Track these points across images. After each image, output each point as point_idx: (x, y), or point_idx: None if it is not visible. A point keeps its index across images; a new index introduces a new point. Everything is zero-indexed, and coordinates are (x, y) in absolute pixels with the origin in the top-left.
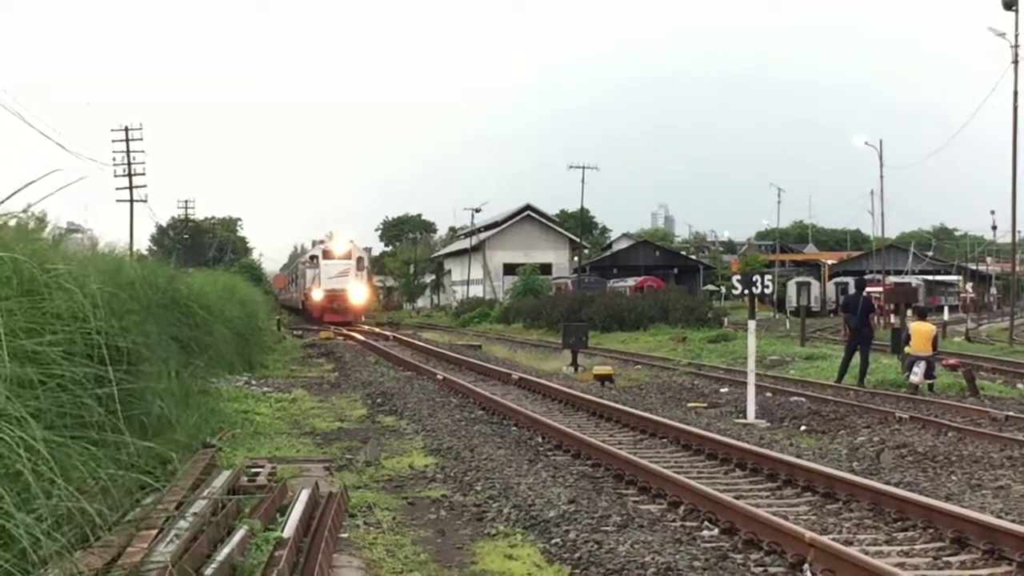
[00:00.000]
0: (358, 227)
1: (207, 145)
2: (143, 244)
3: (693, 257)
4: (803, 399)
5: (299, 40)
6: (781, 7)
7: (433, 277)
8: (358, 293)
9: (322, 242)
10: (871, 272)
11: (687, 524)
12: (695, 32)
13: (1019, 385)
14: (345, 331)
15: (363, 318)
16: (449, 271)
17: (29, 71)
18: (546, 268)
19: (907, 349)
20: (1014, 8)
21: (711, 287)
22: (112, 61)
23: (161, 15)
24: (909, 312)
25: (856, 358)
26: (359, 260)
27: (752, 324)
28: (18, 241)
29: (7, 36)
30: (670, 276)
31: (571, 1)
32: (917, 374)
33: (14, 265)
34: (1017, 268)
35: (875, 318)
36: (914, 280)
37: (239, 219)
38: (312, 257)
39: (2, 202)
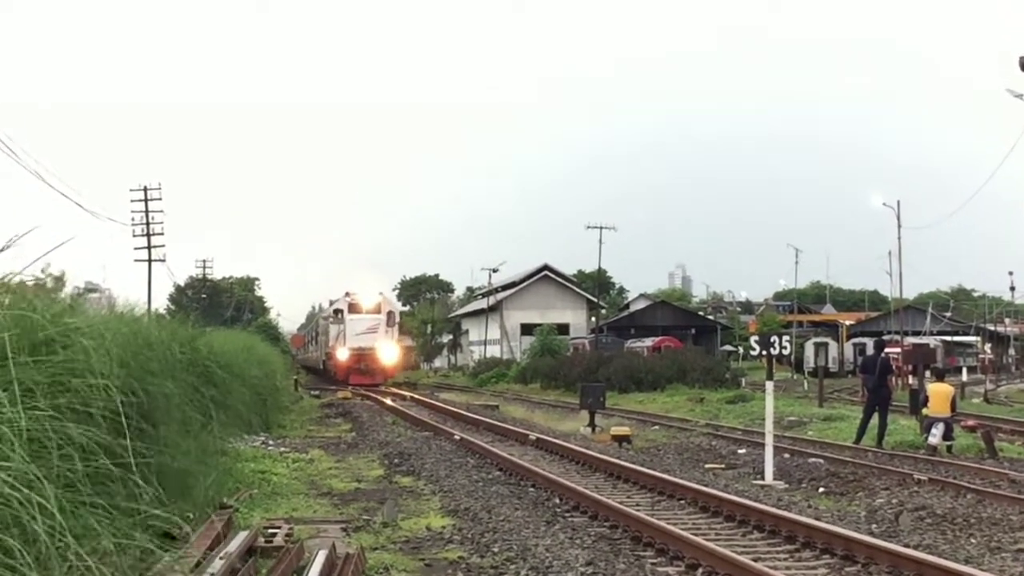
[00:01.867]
0: (375, 288)
1: (225, 204)
2: (161, 303)
3: (710, 317)
4: (821, 460)
5: (315, 97)
6: (798, 65)
7: (450, 337)
8: (388, 352)
9: (347, 295)
10: (889, 333)
11: None
12: (712, 93)
13: None
14: (363, 391)
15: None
16: (466, 331)
17: (48, 129)
18: (563, 328)
19: (925, 411)
20: None
21: (729, 347)
22: (132, 121)
23: (183, 72)
24: (927, 373)
25: (874, 419)
26: (390, 315)
27: (770, 385)
28: (36, 300)
29: (26, 91)
30: (687, 336)
31: (586, 49)
32: (936, 435)
33: (31, 324)
34: None
35: (893, 379)
36: (932, 341)
37: (257, 279)
38: (337, 311)
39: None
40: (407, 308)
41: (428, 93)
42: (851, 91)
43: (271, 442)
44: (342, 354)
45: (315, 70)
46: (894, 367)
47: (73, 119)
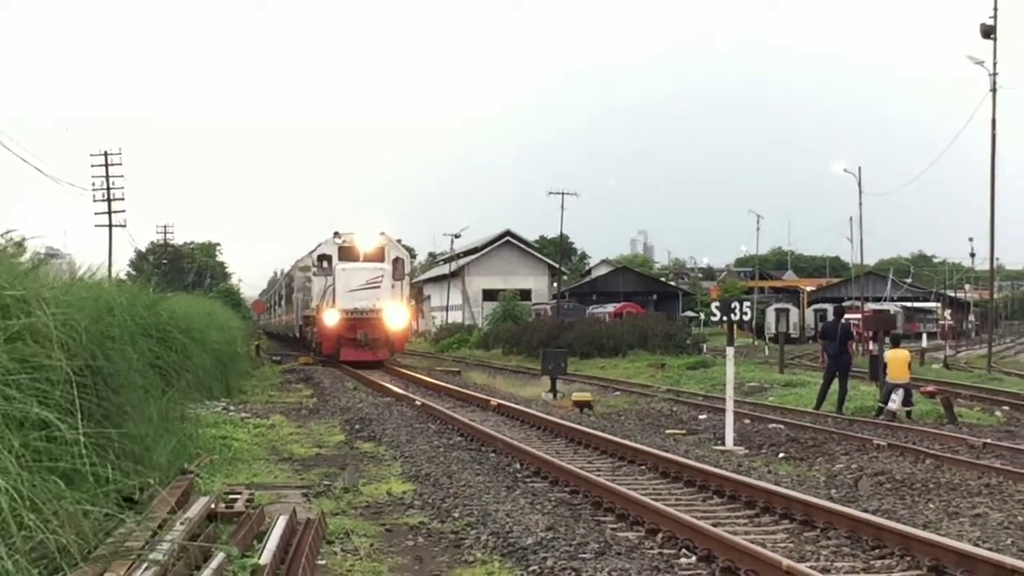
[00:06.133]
0: (375, 226)
1: (186, 168)
2: (122, 268)
3: (672, 283)
4: (782, 426)
5: (281, 63)
6: (760, 30)
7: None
8: (396, 315)
9: (337, 235)
10: (850, 299)
11: (665, 552)
12: (674, 58)
13: (997, 412)
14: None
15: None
16: (428, 297)
17: (4, 93)
18: (525, 294)
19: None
20: (992, 37)
21: (690, 313)
22: (92, 81)
23: (143, 32)
24: (887, 340)
25: (835, 385)
26: (396, 262)
27: (731, 351)
28: None
29: None
30: (649, 302)
31: (549, 23)
32: (895, 401)
33: None
34: (995, 295)
35: (853, 345)
36: (892, 307)
37: (218, 244)
38: (322, 258)
39: None
40: None
41: (391, 68)
42: (810, 55)
43: (232, 408)
44: (330, 318)
45: (286, 32)
46: (854, 333)
47: (33, 88)
